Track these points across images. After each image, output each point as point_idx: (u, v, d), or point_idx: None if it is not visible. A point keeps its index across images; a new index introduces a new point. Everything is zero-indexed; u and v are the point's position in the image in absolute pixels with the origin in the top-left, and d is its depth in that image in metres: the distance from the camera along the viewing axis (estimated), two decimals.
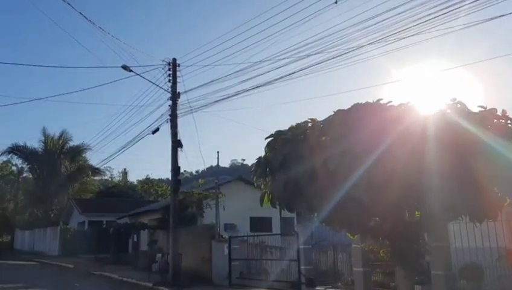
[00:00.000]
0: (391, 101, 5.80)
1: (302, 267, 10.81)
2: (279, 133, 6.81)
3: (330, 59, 9.88)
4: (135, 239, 21.97)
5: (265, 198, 7.37)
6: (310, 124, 6.76)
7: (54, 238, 34.04)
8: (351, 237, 7.88)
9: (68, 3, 12.54)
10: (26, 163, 44.32)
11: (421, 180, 5.23)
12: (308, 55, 10.23)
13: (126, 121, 19.49)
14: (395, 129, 5.40)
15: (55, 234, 33.92)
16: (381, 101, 5.76)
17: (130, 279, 15.61)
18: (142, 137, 16.20)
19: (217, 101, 13.64)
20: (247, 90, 12.80)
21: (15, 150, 42.46)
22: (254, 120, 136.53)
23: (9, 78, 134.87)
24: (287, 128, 7.18)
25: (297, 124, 6.82)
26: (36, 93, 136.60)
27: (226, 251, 13.61)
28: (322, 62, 10.02)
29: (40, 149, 43.21)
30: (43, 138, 43.09)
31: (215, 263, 14.47)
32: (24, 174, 47.62)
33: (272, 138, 6.94)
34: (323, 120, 6.59)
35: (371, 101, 5.82)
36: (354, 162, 5.34)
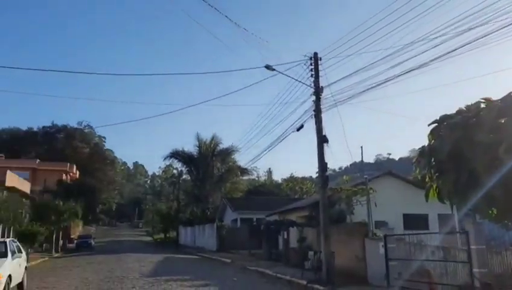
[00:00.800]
0: None
1: (475, 270, 9.52)
2: (445, 118, 5.98)
3: (498, 30, 8.45)
4: (285, 236, 22.37)
5: (431, 192, 6.56)
6: (483, 105, 5.80)
7: (212, 235, 36.78)
8: None
9: (215, 8, 13.23)
10: (184, 166, 49.21)
11: None
12: (470, 28, 8.92)
13: (270, 120, 19.94)
14: None
15: (212, 230, 36.60)
16: None
17: (284, 275, 15.84)
18: (287, 136, 16.32)
19: (363, 91, 12.94)
20: (397, 76, 11.83)
21: (175, 154, 47.54)
22: (404, 109, 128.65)
23: (167, 88, 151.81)
24: (450, 112, 6.30)
25: (467, 106, 5.91)
26: (191, 100, 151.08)
27: (382, 250, 12.82)
28: (487, 35, 8.62)
29: (195, 153, 47.54)
30: (197, 142, 47.34)
31: (370, 263, 13.78)
32: (183, 176, 52.79)
33: (436, 124, 6.14)
34: (501, 99, 5.58)
35: None
36: None
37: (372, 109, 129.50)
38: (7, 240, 12.76)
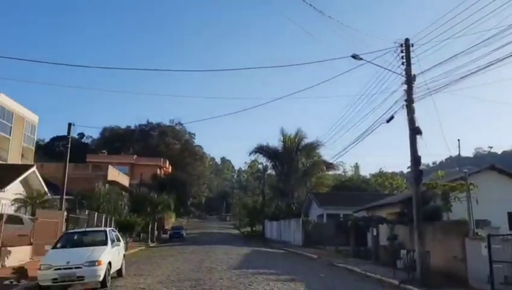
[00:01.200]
0: None
1: None
2: None
3: None
4: (374, 233, 21.47)
5: None
6: None
7: (297, 229, 36.65)
8: None
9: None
10: (269, 161, 49.59)
11: None
12: None
13: (357, 113, 19.17)
14: None
15: (298, 225, 36.45)
16: None
17: (373, 274, 15.17)
18: (375, 128, 15.54)
19: (461, 78, 11.78)
20: (500, 60, 10.58)
21: (260, 149, 48.11)
22: (509, 97, 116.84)
23: (249, 83, 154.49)
24: None
25: None
26: (273, 94, 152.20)
27: (484, 251, 11.64)
28: None
29: (279, 148, 47.65)
30: (282, 137, 47.39)
31: (471, 264, 12.60)
32: (268, 171, 53.26)
33: None
34: None
35: None
36: None
37: (471, 98, 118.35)
38: (107, 229, 13.75)
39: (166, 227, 55.50)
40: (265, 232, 49.73)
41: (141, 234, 40.55)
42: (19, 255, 16.42)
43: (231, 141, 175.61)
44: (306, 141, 47.17)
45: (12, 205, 23.34)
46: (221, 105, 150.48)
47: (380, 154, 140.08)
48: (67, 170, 22.04)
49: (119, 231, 29.73)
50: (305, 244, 33.66)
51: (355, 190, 52.12)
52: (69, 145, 22.28)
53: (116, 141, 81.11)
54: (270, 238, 47.60)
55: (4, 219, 21.19)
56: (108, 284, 11.60)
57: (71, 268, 10.90)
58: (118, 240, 14.27)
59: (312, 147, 46.72)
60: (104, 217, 30.17)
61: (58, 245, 12.48)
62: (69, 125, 21.93)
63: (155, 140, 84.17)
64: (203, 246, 30.25)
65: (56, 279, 10.76)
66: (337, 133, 39.97)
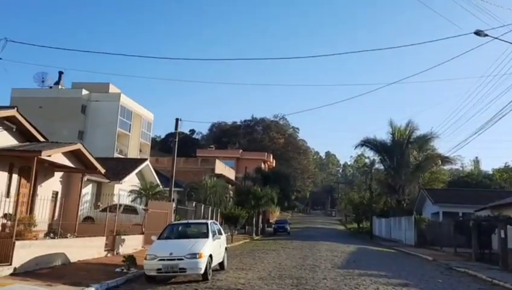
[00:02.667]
0: None
1: None
2: None
3: None
4: (502, 235, 18.74)
5: None
6: None
7: (409, 228, 34.16)
8: None
9: None
10: (377, 154, 46.99)
11: None
12: None
13: (479, 99, 16.78)
14: None
15: (410, 223, 33.97)
16: None
17: (502, 282, 13.08)
18: (502, 116, 13.30)
19: None
20: None
21: (366, 142, 45.80)
22: None
23: (343, 69, 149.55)
24: None
25: None
26: (382, 79, 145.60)
27: None
28: None
29: (388, 140, 44.87)
30: (391, 129, 44.52)
31: None
32: (375, 166, 50.65)
33: None
34: None
35: None
36: None
37: None
38: (209, 221, 13.72)
39: (271, 221, 56.03)
40: (374, 230, 47.42)
41: (246, 227, 41.33)
42: (132, 243, 17.37)
43: (336, 133, 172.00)
44: (418, 133, 43.75)
45: (129, 195, 25.08)
46: (324, 96, 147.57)
47: (504, 147, 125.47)
48: (174, 163, 22.96)
49: (224, 223, 30.77)
50: (418, 244, 31.22)
51: (475, 186, 47.22)
52: (177, 140, 23.18)
53: (223, 136, 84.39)
54: (379, 236, 45.34)
55: (121, 209, 22.90)
56: (209, 277, 11.47)
57: (174, 259, 10.96)
58: (220, 233, 14.19)
59: (425, 140, 43.13)
60: (210, 209, 31.17)
61: (163, 236, 12.72)
62: (177, 120, 22.80)
63: (259, 135, 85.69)
64: (307, 242, 29.56)
65: (160, 269, 10.91)
66: (455, 123, 36.23)
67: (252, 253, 20.86)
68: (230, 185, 48.04)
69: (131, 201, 24.84)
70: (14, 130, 14.51)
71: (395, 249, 28.86)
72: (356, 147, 47.15)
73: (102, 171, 18.86)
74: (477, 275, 15.14)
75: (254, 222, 40.79)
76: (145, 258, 11.13)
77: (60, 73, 49.39)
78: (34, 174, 13.69)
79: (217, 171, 44.91)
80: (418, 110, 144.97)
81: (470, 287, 12.56)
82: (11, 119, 14.13)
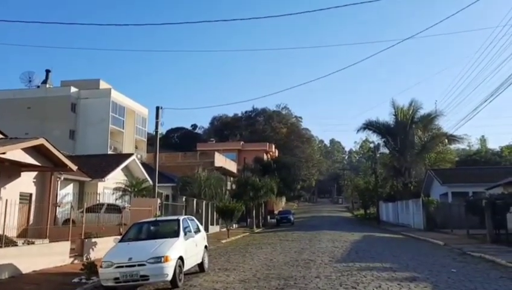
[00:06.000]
0: None
1: None
2: None
3: None
4: None
5: None
6: None
7: (417, 211, 32.37)
8: None
9: None
10: (380, 137, 44.94)
11: None
12: None
13: (481, 71, 14.88)
14: None
15: (418, 206, 32.18)
16: None
17: None
18: (506, 87, 11.37)
19: None
20: None
21: (369, 125, 43.72)
22: None
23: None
24: None
25: None
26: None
27: None
28: None
29: (391, 122, 42.82)
30: (393, 110, 42.45)
31: None
32: (380, 150, 48.64)
33: None
34: None
35: None
36: None
37: None
38: (181, 217, 11.91)
39: (275, 212, 54.35)
40: (381, 215, 45.61)
41: (248, 220, 39.64)
42: (106, 247, 15.49)
43: (339, 120, 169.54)
44: (422, 111, 41.61)
45: (113, 194, 23.41)
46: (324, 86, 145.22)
47: (510, 124, 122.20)
48: (157, 155, 21.23)
49: (220, 217, 29.06)
50: (427, 228, 29.49)
51: (484, 164, 45.21)
52: (158, 130, 21.44)
53: (225, 129, 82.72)
54: (386, 221, 43.60)
55: (103, 209, 21.23)
56: (180, 284, 9.67)
57: (134, 265, 9.18)
58: (198, 230, 12.41)
59: (429, 119, 41.01)
60: (204, 203, 29.46)
61: (126, 238, 10.97)
62: (157, 108, 20.99)
63: (261, 125, 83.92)
64: (309, 232, 27.84)
65: (118, 279, 9.13)
66: (460, 94, 34.06)
67: (245, 249, 19.13)
68: (232, 178, 46.34)
69: (117, 199, 23.20)
70: None
71: (403, 234, 27.06)
72: (358, 130, 45.05)
73: (74, 168, 17.18)
74: (496, 260, 13.33)
75: (254, 214, 39.09)
76: (100, 266, 9.36)
77: (47, 71, 47.77)
78: None
79: (217, 164, 43.18)
80: (422, 83, 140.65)
81: (489, 277, 10.70)
82: None
